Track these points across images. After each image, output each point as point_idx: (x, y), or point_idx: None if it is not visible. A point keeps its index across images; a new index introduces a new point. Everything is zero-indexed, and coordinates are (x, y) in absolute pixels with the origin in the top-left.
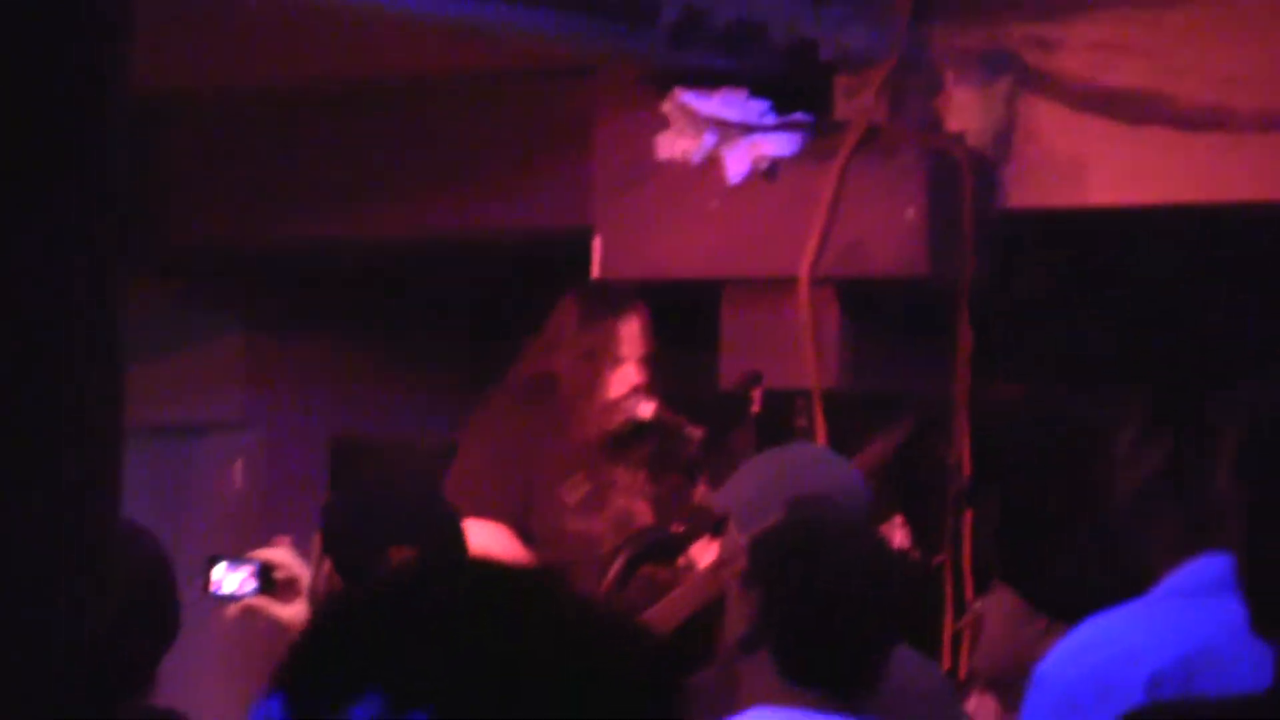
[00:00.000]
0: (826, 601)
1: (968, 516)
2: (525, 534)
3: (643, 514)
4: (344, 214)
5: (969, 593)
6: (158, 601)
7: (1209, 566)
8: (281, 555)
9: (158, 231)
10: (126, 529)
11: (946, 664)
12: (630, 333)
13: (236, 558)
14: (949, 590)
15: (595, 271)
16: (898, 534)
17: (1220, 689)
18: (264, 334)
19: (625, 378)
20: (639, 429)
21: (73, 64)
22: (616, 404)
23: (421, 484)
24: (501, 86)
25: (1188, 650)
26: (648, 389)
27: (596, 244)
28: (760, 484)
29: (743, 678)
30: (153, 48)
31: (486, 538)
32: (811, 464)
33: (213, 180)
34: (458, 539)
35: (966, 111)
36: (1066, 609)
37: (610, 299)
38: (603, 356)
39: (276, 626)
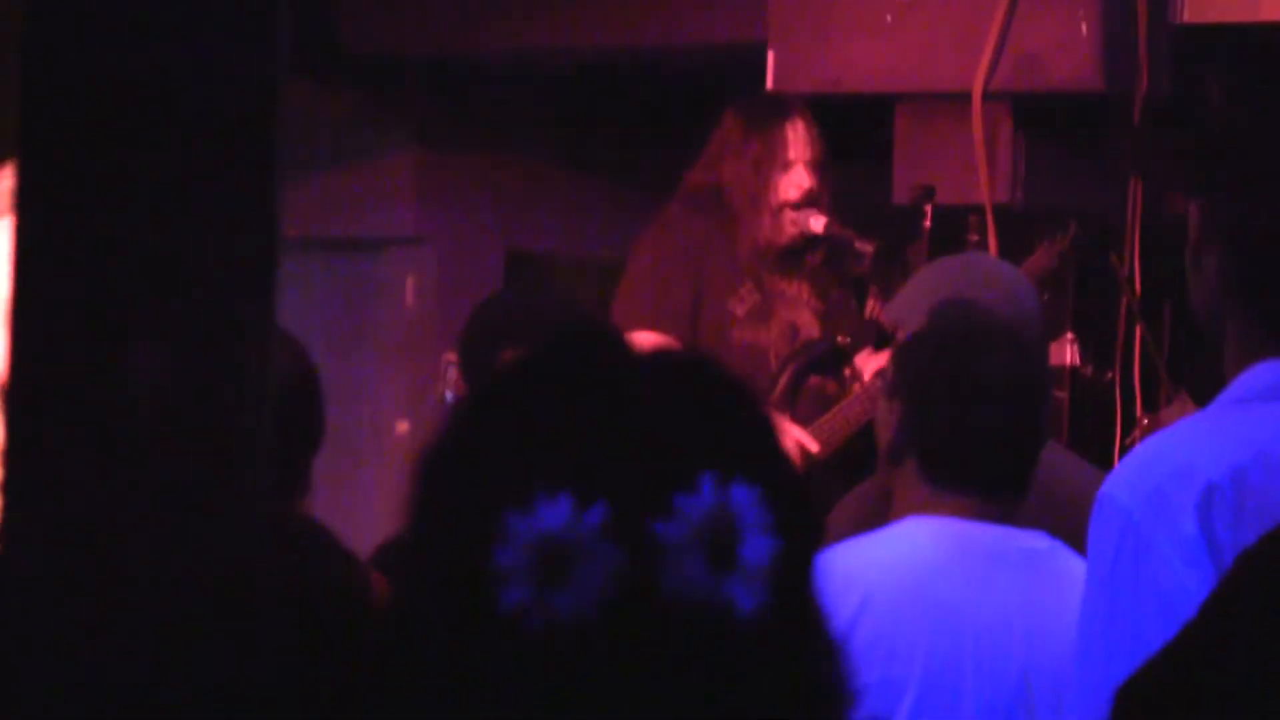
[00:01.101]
0: (965, 406)
1: (1138, 331)
2: (693, 345)
3: (810, 326)
4: (517, 27)
5: (1138, 407)
6: (305, 408)
7: (1267, 372)
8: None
9: (334, 41)
10: (281, 340)
11: None
12: (797, 136)
13: None
14: (1118, 404)
15: (770, 84)
16: (1068, 348)
17: (1273, 499)
18: (437, 149)
19: (795, 181)
20: (810, 242)
21: None
22: (787, 211)
23: (550, 291)
24: None
25: (1241, 459)
26: (818, 197)
27: (770, 57)
28: (920, 293)
29: (895, 488)
30: None
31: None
32: (973, 272)
33: None
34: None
35: None
36: None
37: (775, 105)
38: (770, 163)
39: None
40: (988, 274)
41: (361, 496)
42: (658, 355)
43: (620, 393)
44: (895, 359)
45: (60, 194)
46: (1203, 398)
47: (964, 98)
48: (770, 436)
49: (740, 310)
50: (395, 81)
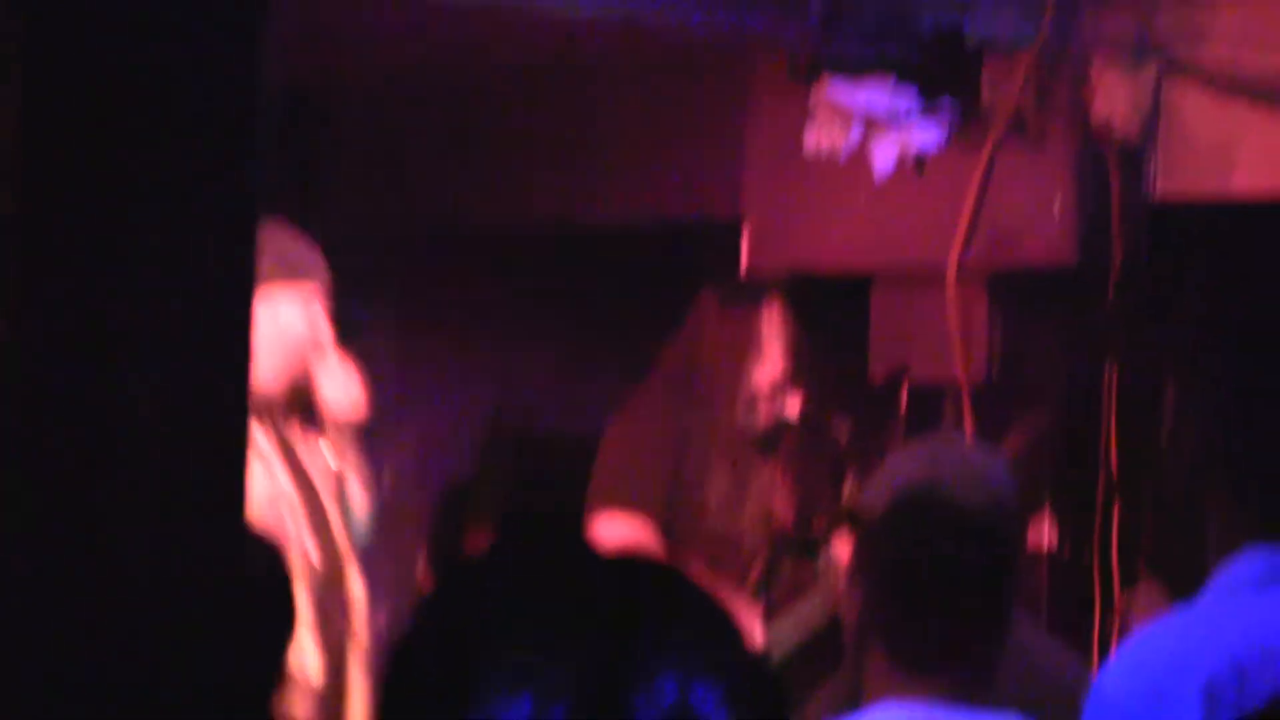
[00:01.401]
0: (925, 591)
1: (1116, 510)
2: (667, 530)
3: (785, 512)
4: (500, 202)
5: (1116, 589)
6: (280, 605)
7: (1255, 560)
8: None
9: (317, 217)
10: (254, 534)
11: (1094, 658)
12: (772, 322)
13: None
14: (1097, 585)
15: (744, 263)
16: (1044, 529)
17: (1275, 684)
18: (409, 334)
19: (768, 370)
20: (783, 425)
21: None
22: (760, 398)
23: (519, 472)
24: (653, 77)
25: (1238, 651)
26: (792, 382)
27: (745, 235)
28: (887, 478)
29: (865, 673)
30: (312, 40)
31: (627, 532)
32: (941, 455)
33: (370, 167)
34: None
35: (1113, 100)
36: None
37: (751, 290)
38: (745, 348)
39: None
40: (957, 457)
41: None
42: (622, 554)
43: (583, 594)
44: (856, 546)
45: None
46: (1174, 580)
47: (939, 275)
48: (733, 636)
49: (714, 498)
50: (376, 254)
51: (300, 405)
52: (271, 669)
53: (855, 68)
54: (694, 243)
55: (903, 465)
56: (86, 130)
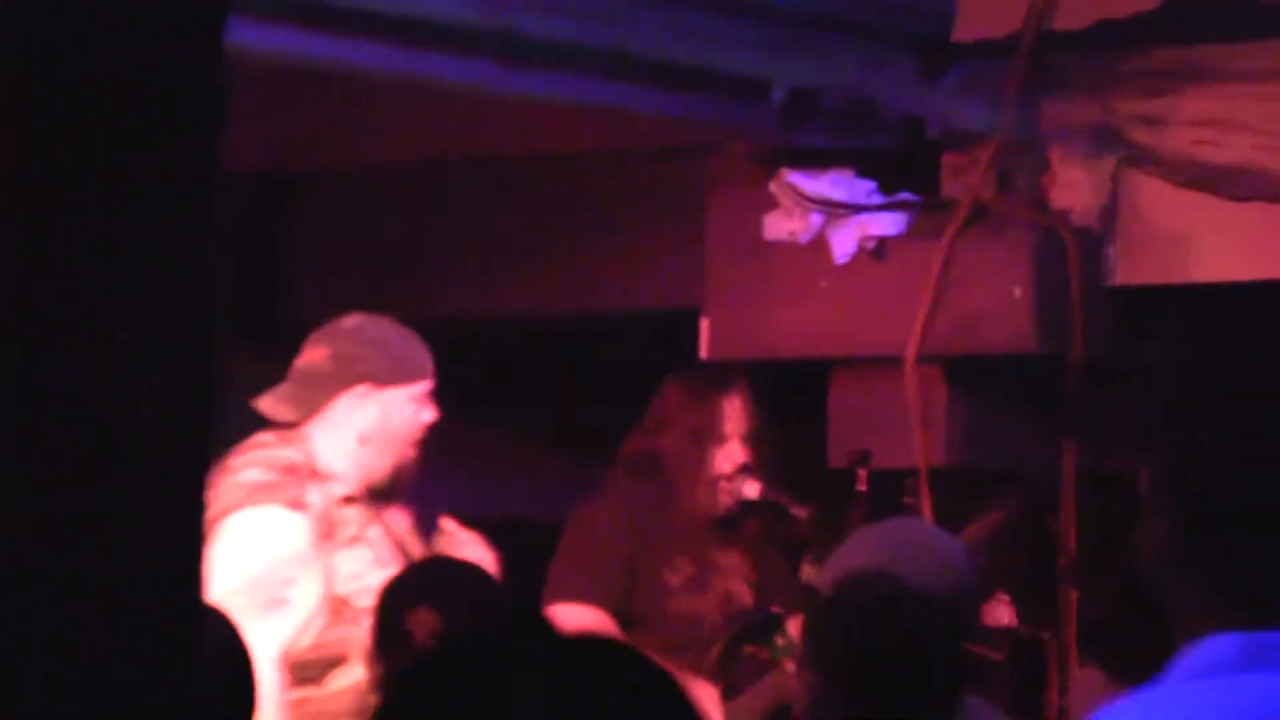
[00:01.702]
0: (877, 675)
1: (1074, 592)
2: (629, 614)
3: (745, 595)
4: (464, 291)
5: (1074, 669)
6: (238, 687)
7: (1223, 645)
8: None
9: (282, 303)
10: (210, 613)
11: None
12: (734, 410)
13: None
14: (1054, 664)
15: (703, 351)
16: (1002, 609)
17: None
18: None
19: (730, 455)
20: (745, 509)
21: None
22: (722, 483)
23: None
24: (616, 165)
25: None
26: (753, 467)
27: (704, 324)
28: (840, 561)
29: None
30: (281, 130)
31: (584, 621)
32: (895, 539)
33: (340, 258)
34: (482, 600)
35: (1073, 188)
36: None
37: (714, 377)
38: (707, 435)
39: None
40: (913, 540)
41: None
42: (578, 641)
43: (539, 684)
44: (808, 627)
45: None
46: (1129, 666)
47: (898, 361)
48: (686, 714)
49: (676, 580)
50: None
51: (396, 491)
52: None
53: (815, 158)
54: (656, 331)
55: (859, 548)
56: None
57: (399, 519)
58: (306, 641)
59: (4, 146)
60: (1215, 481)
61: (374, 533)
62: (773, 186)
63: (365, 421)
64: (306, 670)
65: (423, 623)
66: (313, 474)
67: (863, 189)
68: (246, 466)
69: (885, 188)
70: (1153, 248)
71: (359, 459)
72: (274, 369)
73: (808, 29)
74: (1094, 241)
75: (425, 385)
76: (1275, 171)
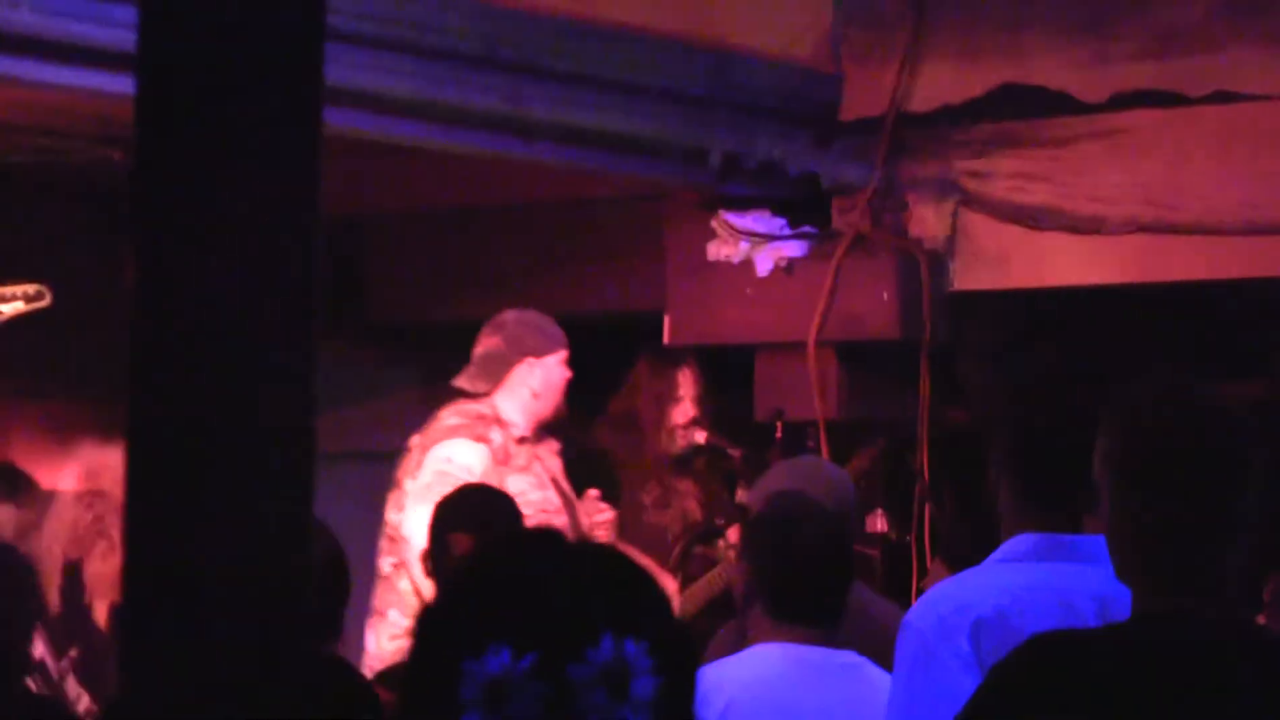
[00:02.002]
0: (791, 564)
1: (926, 509)
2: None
3: (696, 512)
4: (495, 298)
5: (928, 561)
6: (337, 577)
7: (1023, 541)
8: None
9: (362, 309)
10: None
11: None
12: (686, 380)
13: None
14: (914, 559)
15: (666, 338)
16: (879, 520)
17: (1022, 632)
18: (435, 386)
19: (684, 411)
20: (695, 450)
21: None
22: (678, 431)
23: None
24: (599, 207)
25: (1000, 602)
26: (700, 421)
27: (666, 320)
28: (765, 487)
29: (749, 626)
30: (352, 184)
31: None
32: (804, 471)
33: (403, 272)
34: (509, 521)
35: (924, 222)
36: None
37: (672, 357)
38: (667, 397)
39: None
40: (815, 472)
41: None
42: (578, 547)
43: (546, 576)
44: (743, 533)
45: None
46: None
47: (803, 345)
48: (659, 603)
49: (648, 500)
50: (403, 339)
51: (551, 429)
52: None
53: (742, 202)
54: (630, 326)
55: (778, 477)
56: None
57: (551, 455)
58: None
59: (142, 159)
60: (1024, 423)
61: (536, 465)
62: (714, 223)
63: (534, 383)
64: None
65: (460, 543)
66: (496, 421)
67: (777, 224)
68: (449, 416)
69: (793, 222)
70: (981, 263)
71: (530, 410)
72: (355, 357)
73: (736, 113)
74: (940, 260)
75: (565, 352)
76: (1068, 210)
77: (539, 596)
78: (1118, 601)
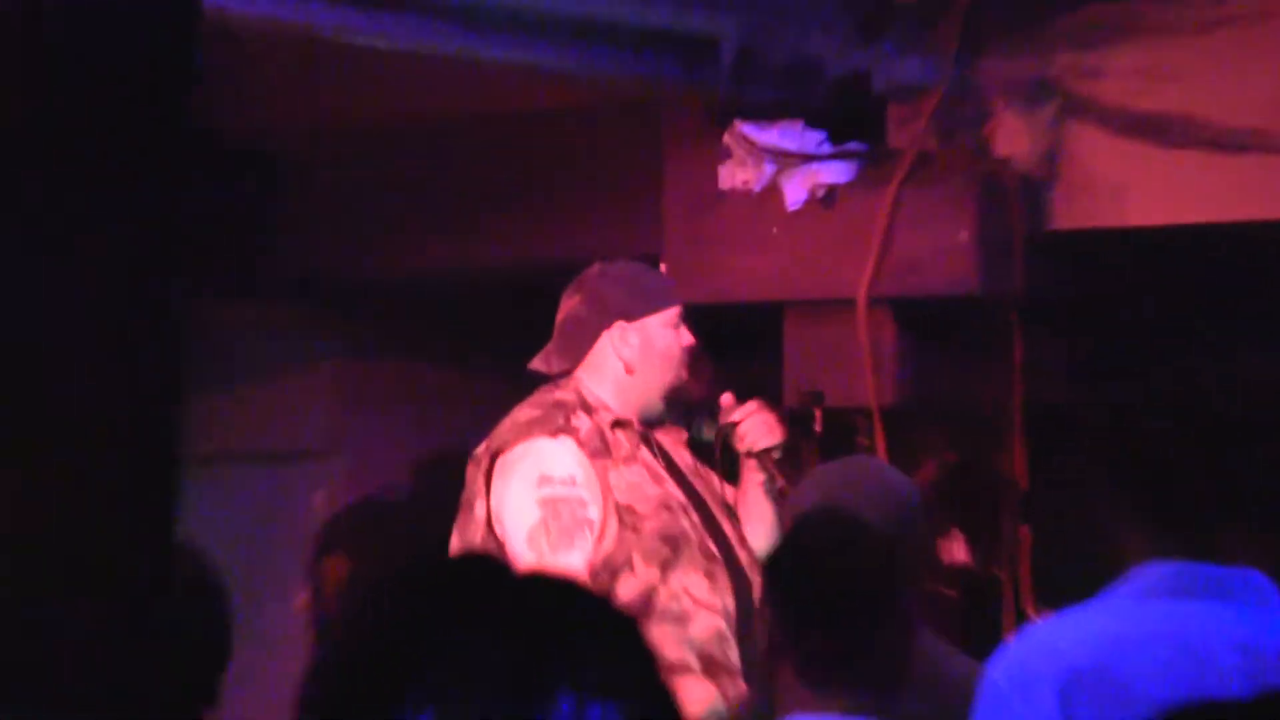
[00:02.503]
0: (830, 610)
1: (1025, 530)
2: None
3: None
4: (444, 244)
5: (1028, 603)
6: (212, 624)
7: (1150, 573)
8: None
9: (272, 262)
10: (185, 554)
11: None
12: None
13: None
14: (1008, 600)
15: None
16: (955, 547)
17: (1128, 691)
18: (365, 360)
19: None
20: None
21: (139, 103)
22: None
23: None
24: (576, 123)
25: (1106, 653)
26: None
27: (663, 269)
28: (797, 501)
29: (776, 692)
30: (260, 95)
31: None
32: (850, 478)
33: (327, 214)
34: (393, 541)
35: (1013, 137)
36: None
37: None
38: None
39: None
40: (864, 480)
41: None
42: (527, 578)
43: (488, 614)
44: (769, 564)
45: None
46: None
47: (849, 304)
48: (633, 651)
49: None
50: (318, 298)
51: (667, 412)
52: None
53: (766, 111)
54: None
55: (813, 487)
56: None
57: (677, 445)
58: (599, 550)
59: None
60: (1151, 418)
61: (643, 453)
62: (726, 138)
63: (628, 353)
64: (597, 579)
65: (333, 570)
66: (583, 406)
67: (812, 139)
68: (521, 409)
69: (834, 139)
70: (1091, 193)
71: (628, 388)
72: (268, 318)
73: None
74: (1034, 188)
75: (674, 310)
76: (1203, 120)
77: (473, 646)
78: (1272, 654)
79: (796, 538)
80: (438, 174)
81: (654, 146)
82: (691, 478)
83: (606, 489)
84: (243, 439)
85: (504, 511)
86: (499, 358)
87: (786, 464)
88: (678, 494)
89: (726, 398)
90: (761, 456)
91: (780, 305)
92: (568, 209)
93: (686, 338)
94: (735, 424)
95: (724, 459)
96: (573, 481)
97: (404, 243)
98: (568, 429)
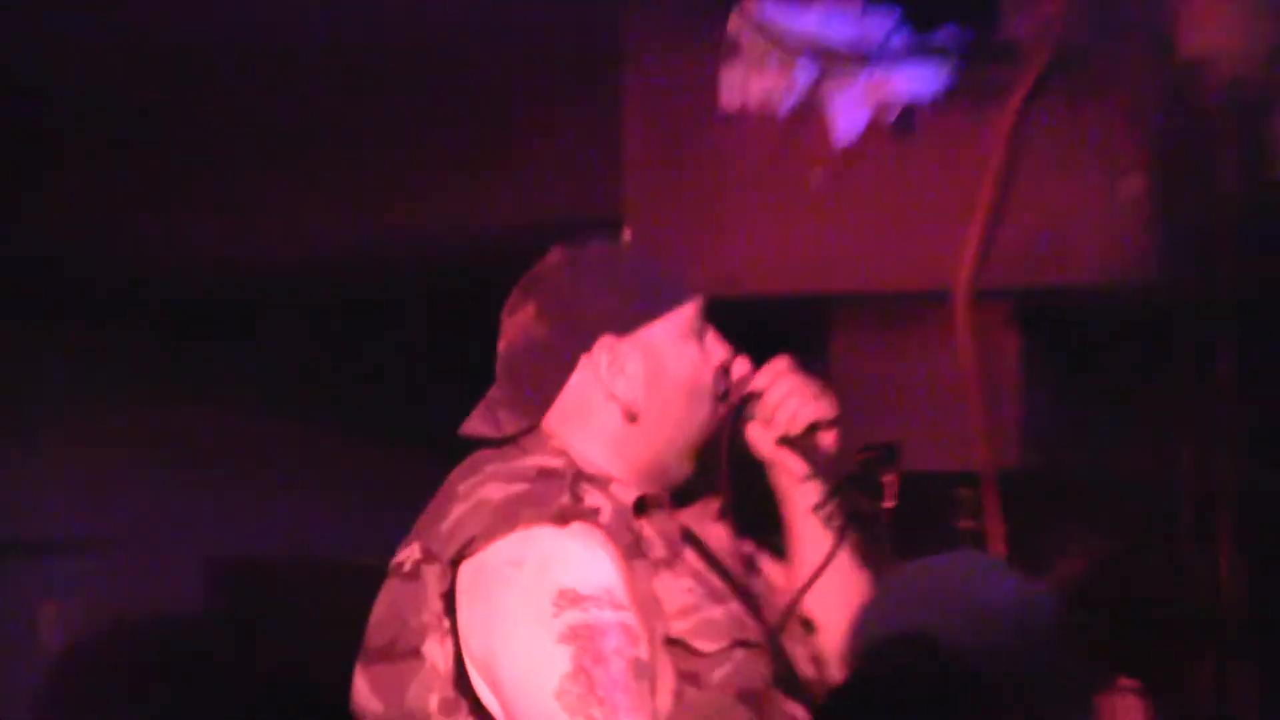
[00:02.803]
0: None
1: (1239, 666)
2: None
3: None
4: (317, 221)
5: None
6: None
7: None
8: None
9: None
10: None
11: None
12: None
13: None
14: None
15: None
16: (1130, 707)
17: None
18: (104, 402)
19: None
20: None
21: None
22: None
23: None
24: (500, 37)
25: None
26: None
27: (625, 237)
28: (866, 620)
29: None
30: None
31: None
32: (947, 586)
33: (94, 185)
34: None
35: (1217, 25)
36: None
37: None
38: None
39: None
40: (967, 591)
41: None
42: None
43: None
44: (820, 710)
45: None
46: None
47: (939, 299)
48: None
49: None
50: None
51: (705, 475)
52: None
53: None
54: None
55: (893, 607)
56: None
57: (707, 520)
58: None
59: None
60: None
61: (689, 550)
62: (733, 23)
63: (625, 390)
64: None
65: None
66: (585, 477)
67: (878, 26)
68: (481, 484)
69: (916, 29)
70: None
71: (631, 445)
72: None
73: None
74: (1250, 109)
75: (689, 308)
76: None
77: None
78: None
79: (863, 683)
80: (299, 122)
81: (608, 60)
82: (736, 569)
83: (654, 613)
84: None
85: (502, 653)
86: (369, 397)
87: (867, 488)
88: (750, 621)
89: (739, 364)
90: (804, 444)
91: (821, 303)
92: (489, 163)
93: (717, 350)
94: (757, 395)
95: (738, 465)
96: (612, 600)
97: (254, 220)
98: (580, 512)
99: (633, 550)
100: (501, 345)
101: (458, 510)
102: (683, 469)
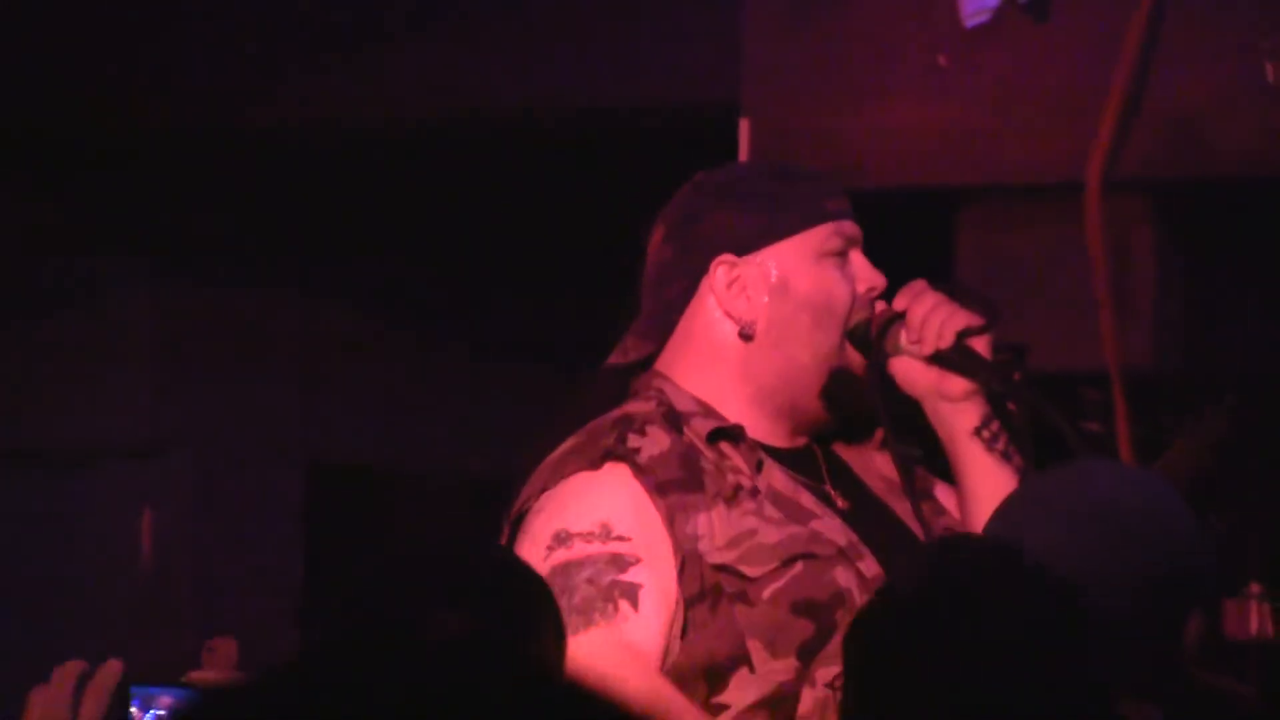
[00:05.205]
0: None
1: None
2: None
3: None
4: (332, 85)
5: None
6: None
7: None
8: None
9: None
10: None
11: None
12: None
13: (154, 684)
14: None
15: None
16: (1253, 612)
17: None
18: (182, 295)
19: None
20: None
21: None
22: None
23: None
24: None
25: None
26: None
27: (743, 127)
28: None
29: None
30: None
31: None
32: (1067, 493)
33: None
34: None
35: None
36: None
37: None
38: None
39: None
40: (1088, 496)
41: None
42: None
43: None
44: (845, 640)
45: None
46: None
47: (1073, 192)
48: None
49: None
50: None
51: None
52: None
53: None
54: (679, 137)
55: (1008, 517)
56: None
57: (857, 451)
58: (675, 645)
59: None
60: None
61: (775, 477)
62: None
63: (742, 309)
64: (690, 686)
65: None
66: (665, 418)
67: None
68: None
69: None
70: None
71: (747, 369)
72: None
73: None
74: None
75: (828, 226)
76: None
77: None
78: None
79: (880, 604)
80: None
81: None
82: (899, 507)
83: (678, 544)
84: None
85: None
86: (468, 301)
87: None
88: (836, 535)
89: (875, 285)
90: (958, 357)
91: (949, 196)
92: (600, 40)
93: (865, 273)
94: (900, 317)
95: (888, 404)
96: (605, 533)
97: (270, 79)
98: (618, 452)
99: (676, 486)
100: (644, 269)
101: (545, 460)
102: (809, 402)
